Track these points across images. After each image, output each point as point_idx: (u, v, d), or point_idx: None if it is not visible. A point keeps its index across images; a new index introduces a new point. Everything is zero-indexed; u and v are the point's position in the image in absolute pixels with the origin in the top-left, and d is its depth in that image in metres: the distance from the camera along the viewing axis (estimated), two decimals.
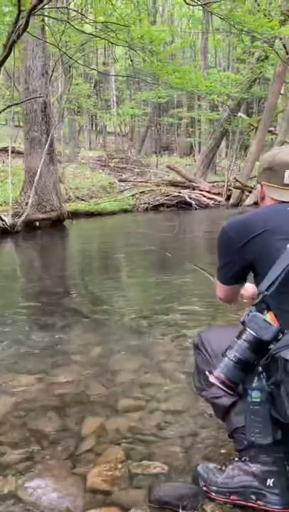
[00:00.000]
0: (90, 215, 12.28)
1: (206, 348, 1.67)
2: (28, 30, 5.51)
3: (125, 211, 13.63)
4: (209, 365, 1.58)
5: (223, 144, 21.88)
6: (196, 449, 1.97)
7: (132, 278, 5.74)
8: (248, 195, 15.13)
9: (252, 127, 18.94)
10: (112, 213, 13.00)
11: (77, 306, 4.24)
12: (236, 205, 14.87)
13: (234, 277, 1.68)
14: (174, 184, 15.68)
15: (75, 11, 8.69)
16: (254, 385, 1.34)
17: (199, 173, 17.75)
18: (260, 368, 1.35)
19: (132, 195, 15.01)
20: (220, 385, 1.39)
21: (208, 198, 14.97)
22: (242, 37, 11.48)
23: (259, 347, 1.35)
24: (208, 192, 15.39)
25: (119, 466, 1.85)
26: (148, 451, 1.95)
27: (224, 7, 6.26)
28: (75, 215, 11.47)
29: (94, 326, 3.62)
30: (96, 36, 8.40)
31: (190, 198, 14.54)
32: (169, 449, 1.97)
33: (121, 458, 1.90)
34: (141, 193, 15.17)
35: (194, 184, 15.63)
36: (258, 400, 1.33)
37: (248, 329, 1.36)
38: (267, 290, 1.40)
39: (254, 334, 1.34)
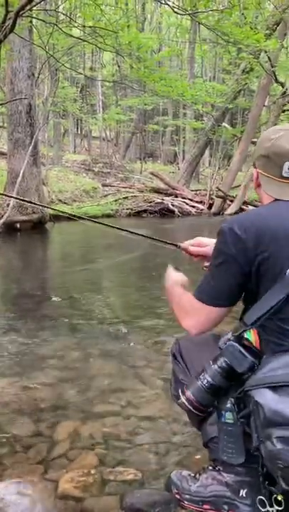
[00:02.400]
0: (71, 218, 12.20)
1: (184, 357, 1.64)
2: (15, 31, 5.49)
3: (108, 216, 13.59)
4: (186, 375, 1.56)
5: (207, 152, 22.05)
6: (170, 455, 1.96)
7: (112, 282, 5.71)
8: (229, 204, 15.26)
9: (236, 137, 19.13)
10: (95, 218, 12.95)
11: (55, 309, 4.20)
12: (218, 213, 14.97)
13: (233, 293, 1.38)
14: (157, 191, 15.71)
15: (63, 14, 8.68)
16: (227, 406, 1.33)
17: (182, 181, 17.84)
18: (232, 400, 1.32)
19: (115, 201, 14.99)
20: (189, 406, 1.38)
21: (191, 206, 15.03)
22: (228, 48, 11.61)
23: (232, 375, 1.31)
24: (191, 200, 15.46)
25: (92, 472, 1.82)
26: (122, 457, 1.93)
27: (212, 18, 6.32)
28: (56, 218, 11.39)
29: (72, 330, 3.59)
30: (84, 40, 8.40)
31: (173, 206, 14.58)
32: (143, 456, 1.95)
33: (94, 464, 1.88)
34: (124, 198, 15.17)
35: (177, 191, 15.69)
36: (231, 421, 1.32)
37: (223, 357, 1.32)
38: (252, 324, 1.30)
39: (228, 363, 1.31)
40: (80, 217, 2.18)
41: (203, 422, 1.52)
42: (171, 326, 3.71)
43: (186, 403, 1.38)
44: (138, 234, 2.00)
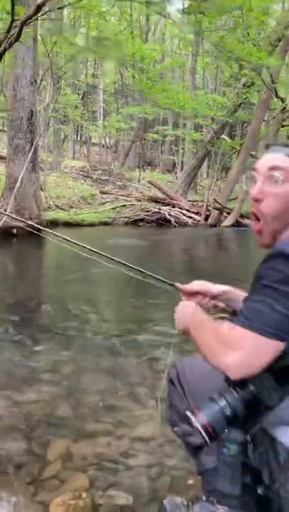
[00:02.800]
0: (69, 225, 12.22)
1: (183, 385, 1.56)
2: (20, 39, 5.51)
3: (105, 224, 13.61)
4: (184, 403, 1.52)
5: (205, 164, 22.16)
6: (162, 479, 1.95)
7: (107, 293, 5.71)
8: (226, 217, 15.32)
9: (234, 150, 19.24)
10: (92, 225, 12.97)
11: (49, 320, 4.18)
12: (214, 225, 15.03)
13: None
14: (154, 200, 15.75)
15: (68, 23, 8.73)
16: (232, 437, 1.25)
17: (180, 191, 17.90)
18: (248, 438, 1.23)
19: (113, 209, 15.02)
20: (202, 431, 1.22)
21: (188, 217, 15.07)
22: (231, 64, 11.72)
23: (254, 406, 1.22)
24: (188, 210, 15.51)
25: (84, 495, 1.80)
26: (114, 480, 1.92)
27: (215, 33, 6.38)
28: (54, 224, 11.38)
29: (65, 343, 3.57)
30: (88, 50, 8.45)
31: (170, 215, 14.62)
32: (135, 479, 1.94)
33: (85, 486, 1.86)
34: (122, 206, 15.19)
35: (175, 202, 15.73)
36: (233, 452, 1.25)
37: (252, 386, 1.20)
38: None
39: (256, 394, 1.19)
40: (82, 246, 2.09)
41: (198, 450, 1.50)
42: (165, 341, 3.70)
43: (199, 426, 1.23)
44: (135, 268, 1.95)
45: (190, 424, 1.42)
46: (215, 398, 1.23)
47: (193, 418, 1.23)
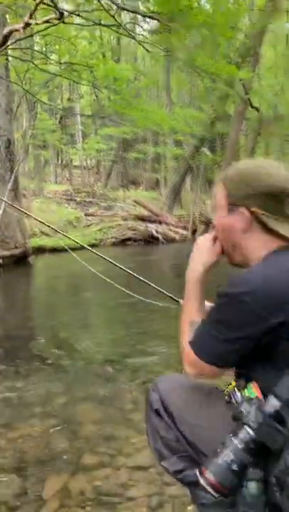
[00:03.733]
0: (55, 250, 12.15)
1: (171, 411, 1.45)
2: None
3: (92, 246, 13.57)
4: (170, 433, 1.44)
5: (189, 178, 22.31)
6: (163, 508, 1.89)
7: (98, 318, 5.65)
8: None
9: (216, 163, 19.42)
10: (77, 249, 12.92)
11: (41, 350, 4.11)
12: None
13: (235, 360, 1.28)
14: (141, 218, 15.78)
15: (38, 51, 8.81)
16: (250, 475, 1.17)
17: (166, 208, 17.97)
18: (273, 480, 1.15)
19: (99, 230, 15.01)
20: (210, 490, 1.17)
21: (175, 232, 15.11)
22: (203, 80, 11.89)
23: (261, 451, 1.16)
24: (175, 226, 15.56)
25: None
26: None
27: (185, 51, 6.46)
28: (40, 250, 11.33)
29: (58, 373, 3.50)
30: (59, 76, 8.51)
31: (157, 233, 14.64)
32: (136, 510, 1.88)
33: None
34: (108, 227, 15.19)
35: (161, 218, 15.78)
36: (254, 491, 1.16)
37: (254, 434, 1.15)
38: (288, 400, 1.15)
39: (260, 441, 1.14)
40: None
41: (192, 483, 1.43)
42: (159, 364, 3.66)
43: (208, 486, 1.17)
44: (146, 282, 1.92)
45: (162, 465, 1.38)
46: (219, 453, 1.18)
47: (201, 479, 1.19)
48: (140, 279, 1.92)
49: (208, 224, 15.39)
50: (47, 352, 4.04)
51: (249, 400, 1.20)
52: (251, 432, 1.14)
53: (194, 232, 15.60)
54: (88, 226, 15.82)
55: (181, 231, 15.38)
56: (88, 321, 5.51)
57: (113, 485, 2.05)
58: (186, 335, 1.38)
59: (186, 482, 1.43)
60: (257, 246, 1.31)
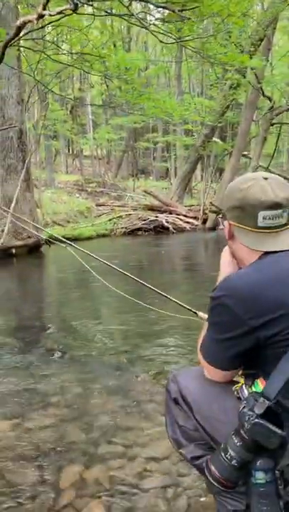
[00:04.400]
0: (67, 240, 12.20)
1: (188, 401, 1.51)
2: (3, 61, 5.53)
3: (103, 236, 13.61)
4: (188, 423, 1.50)
5: (199, 167, 22.20)
6: (179, 500, 1.92)
7: (110, 308, 5.68)
8: None
9: (226, 152, 19.29)
10: (90, 238, 12.97)
11: (54, 341, 4.15)
12: (213, 228, 15.03)
13: (235, 361, 1.37)
14: (151, 208, 15.77)
15: (50, 42, 8.78)
16: (257, 465, 1.22)
17: (176, 197, 17.91)
18: (277, 473, 1.22)
19: (110, 220, 15.03)
20: (216, 484, 1.26)
21: (185, 222, 15.08)
22: (214, 69, 11.77)
23: (258, 448, 1.21)
24: (185, 216, 15.52)
25: None
26: (129, 505, 1.89)
27: (198, 40, 6.39)
28: (51, 241, 11.37)
29: (72, 364, 3.54)
30: (71, 66, 8.48)
31: (167, 222, 14.63)
32: (152, 501, 1.91)
33: None
34: (118, 217, 15.21)
35: (171, 208, 15.75)
36: (262, 481, 1.22)
37: (251, 435, 1.20)
38: (275, 398, 1.21)
39: (257, 441, 1.20)
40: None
41: None
42: (172, 354, 3.68)
43: (213, 481, 1.26)
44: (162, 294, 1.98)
45: (180, 452, 1.48)
46: (222, 449, 1.26)
47: (207, 472, 1.28)
48: (151, 288, 1.97)
49: (218, 213, 15.33)
50: (60, 343, 4.09)
51: (249, 397, 1.26)
52: (246, 431, 1.20)
53: (205, 221, 15.56)
54: (99, 216, 15.85)
55: (191, 221, 15.35)
56: (100, 311, 5.55)
57: (128, 475, 2.09)
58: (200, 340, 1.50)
59: (203, 469, 1.46)
60: (244, 253, 1.42)
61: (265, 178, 1.38)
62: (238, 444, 1.22)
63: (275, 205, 1.33)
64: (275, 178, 1.39)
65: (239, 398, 1.36)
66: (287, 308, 1.24)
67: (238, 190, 1.40)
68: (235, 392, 1.39)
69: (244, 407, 1.23)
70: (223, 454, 1.24)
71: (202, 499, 1.91)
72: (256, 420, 1.19)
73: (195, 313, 1.76)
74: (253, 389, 1.31)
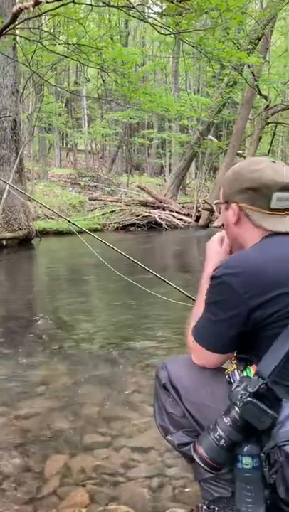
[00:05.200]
0: (58, 233, 12.16)
1: (177, 388, 1.49)
2: None
3: (95, 230, 13.56)
4: (177, 409, 1.48)
5: (193, 165, 22.20)
6: (164, 489, 1.90)
7: (100, 301, 5.66)
8: (217, 217, 15.33)
9: (221, 150, 19.30)
10: (81, 232, 12.91)
11: (43, 332, 4.12)
12: (205, 226, 15.04)
13: (231, 343, 1.35)
14: (144, 204, 15.75)
15: (47, 32, 8.70)
16: (244, 450, 1.22)
17: (169, 194, 17.91)
18: (262, 456, 1.21)
19: (102, 215, 14.99)
20: (202, 465, 1.25)
21: (178, 219, 15.08)
22: (212, 64, 11.75)
23: (250, 430, 1.22)
24: (178, 213, 15.52)
25: (83, 511, 1.76)
26: (114, 493, 1.87)
27: (195, 35, 6.37)
28: (43, 233, 11.34)
29: (60, 354, 3.52)
30: (67, 57, 8.42)
31: (160, 219, 14.62)
32: (136, 490, 1.89)
33: (85, 502, 1.81)
34: (111, 212, 15.17)
35: (164, 205, 15.74)
36: (249, 466, 1.22)
37: (242, 415, 1.21)
38: (269, 377, 1.21)
39: (247, 421, 1.20)
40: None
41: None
42: (161, 347, 3.67)
43: (200, 462, 1.25)
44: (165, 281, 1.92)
45: (168, 439, 1.45)
46: (210, 429, 1.25)
47: (194, 454, 1.27)
48: (148, 270, 1.92)
49: (212, 211, 15.35)
50: (49, 333, 4.06)
51: (241, 380, 1.27)
52: (237, 410, 1.20)
53: (198, 219, 15.58)
54: (92, 211, 15.80)
55: (184, 218, 15.36)
56: (90, 303, 5.53)
57: (114, 465, 2.07)
58: (190, 326, 1.47)
59: (190, 456, 1.44)
60: (248, 237, 1.40)
61: (273, 161, 1.39)
62: (228, 423, 1.22)
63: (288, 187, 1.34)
64: (281, 162, 1.40)
65: (230, 383, 1.35)
66: (285, 287, 1.24)
67: (249, 171, 1.38)
68: (227, 377, 1.38)
69: (237, 387, 1.23)
70: (211, 434, 1.24)
71: (187, 489, 1.89)
72: (248, 399, 1.19)
73: (193, 299, 1.73)
74: (244, 374, 1.31)
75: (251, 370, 1.30)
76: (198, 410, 1.43)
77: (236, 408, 1.21)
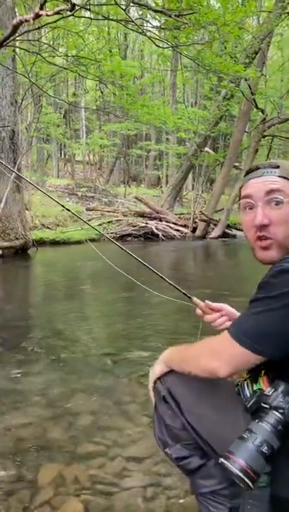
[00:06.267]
0: (55, 243, 12.17)
1: (178, 400, 1.44)
2: None
3: (92, 240, 13.52)
4: (176, 422, 1.43)
5: (190, 176, 22.33)
6: (158, 500, 1.89)
7: (96, 311, 5.65)
8: (213, 228, 15.39)
9: (218, 162, 19.43)
10: (78, 242, 12.93)
11: (38, 341, 4.11)
12: (202, 237, 15.09)
13: (277, 340, 1.16)
14: (141, 215, 15.80)
15: (46, 44, 8.79)
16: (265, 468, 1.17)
17: (166, 205, 17.98)
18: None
19: (99, 225, 15.02)
20: (242, 476, 1.12)
21: (175, 230, 15.13)
22: (210, 77, 11.89)
23: (284, 436, 1.17)
24: (175, 224, 15.57)
25: None
26: (108, 503, 1.86)
27: (193, 48, 6.46)
28: (40, 243, 11.34)
29: (55, 364, 3.51)
30: (66, 69, 8.50)
31: (157, 229, 14.65)
32: (130, 501, 1.89)
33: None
34: (108, 222, 15.20)
35: (161, 215, 15.79)
36: (264, 484, 1.18)
37: (284, 419, 1.16)
38: None
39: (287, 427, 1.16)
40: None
41: (194, 472, 1.44)
42: (157, 357, 3.65)
43: (239, 472, 1.12)
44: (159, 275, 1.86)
45: (166, 452, 1.37)
46: (246, 437, 1.16)
47: (228, 463, 1.15)
48: (155, 272, 1.86)
49: (208, 222, 15.41)
50: (44, 343, 4.05)
51: (277, 384, 1.20)
52: (279, 415, 1.15)
53: (194, 230, 15.62)
54: (89, 221, 15.83)
55: (181, 228, 15.40)
56: (86, 313, 5.52)
57: (108, 474, 2.06)
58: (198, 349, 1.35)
59: (187, 469, 1.42)
60: None
61: None
62: (268, 429, 1.15)
63: None
64: None
65: (238, 393, 1.31)
66: None
67: None
68: (237, 387, 1.35)
69: (274, 391, 1.18)
70: (250, 441, 1.15)
71: (182, 500, 1.89)
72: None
73: (189, 297, 1.71)
74: (255, 387, 1.26)
75: (261, 383, 1.26)
76: (199, 422, 1.38)
77: (276, 412, 1.15)
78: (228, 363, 1.22)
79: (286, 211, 1.29)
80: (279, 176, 1.31)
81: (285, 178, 1.31)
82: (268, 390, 1.19)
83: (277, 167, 1.33)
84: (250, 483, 1.12)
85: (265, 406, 1.18)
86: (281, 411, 1.16)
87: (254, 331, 1.17)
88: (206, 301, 1.71)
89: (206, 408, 1.38)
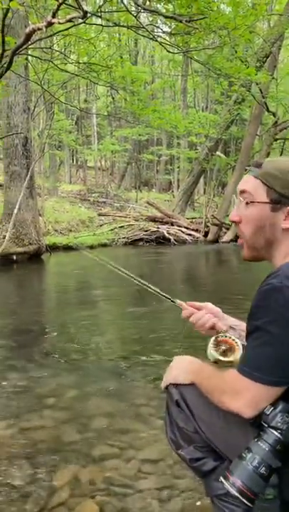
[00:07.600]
0: (68, 248, 12.24)
1: (190, 406, 1.44)
2: (11, 68, 5.60)
3: (104, 245, 13.63)
4: (189, 425, 1.43)
5: (202, 181, 22.32)
6: (173, 502, 1.90)
7: (109, 315, 5.67)
8: (225, 232, 15.35)
9: (230, 166, 19.40)
10: (91, 247, 12.99)
11: (52, 345, 4.15)
12: (214, 241, 15.05)
13: None
14: (153, 219, 15.82)
15: (58, 51, 8.89)
16: (270, 481, 1.16)
17: (178, 209, 17.98)
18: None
19: (111, 230, 15.07)
20: (239, 496, 1.12)
21: (187, 234, 15.11)
22: (220, 81, 11.91)
23: (286, 454, 1.16)
24: (187, 228, 15.56)
25: None
26: (123, 505, 1.87)
27: (203, 53, 6.48)
28: (53, 248, 11.42)
29: (69, 367, 3.53)
30: (78, 76, 8.58)
31: (168, 234, 14.65)
32: (145, 502, 1.89)
33: None
34: (120, 227, 15.25)
35: (173, 220, 15.79)
36: (271, 496, 1.18)
37: (282, 438, 1.15)
38: None
39: (286, 446, 1.15)
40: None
41: (208, 474, 1.44)
42: (170, 360, 3.65)
43: (236, 492, 1.13)
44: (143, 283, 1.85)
45: (179, 453, 1.39)
46: (245, 456, 1.16)
47: (227, 484, 1.15)
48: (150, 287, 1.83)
49: (220, 226, 15.37)
50: (58, 347, 4.08)
51: (275, 404, 1.19)
52: (278, 435, 1.15)
53: (206, 234, 15.58)
54: (101, 226, 15.91)
55: (193, 233, 15.38)
56: (98, 317, 5.54)
57: (123, 477, 2.07)
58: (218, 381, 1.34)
59: (202, 471, 1.42)
60: None
61: None
62: (265, 448, 1.14)
63: None
64: None
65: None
66: None
67: None
68: None
69: (273, 409, 1.17)
70: (248, 462, 1.14)
71: (198, 503, 1.89)
72: None
73: (172, 301, 1.71)
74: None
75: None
76: (209, 429, 1.39)
77: (275, 432, 1.15)
78: (249, 405, 1.20)
79: (252, 212, 1.32)
80: (254, 176, 1.32)
81: (258, 179, 1.31)
82: (267, 408, 1.18)
83: (259, 166, 1.33)
84: (248, 503, 1.12)
85: (264, 424, 1.18)
86: (279, 431, 1.15)
87: (264, 365, 1.16)
88: (188, 302, 1.71)
89: (216, 417, 1.38)
